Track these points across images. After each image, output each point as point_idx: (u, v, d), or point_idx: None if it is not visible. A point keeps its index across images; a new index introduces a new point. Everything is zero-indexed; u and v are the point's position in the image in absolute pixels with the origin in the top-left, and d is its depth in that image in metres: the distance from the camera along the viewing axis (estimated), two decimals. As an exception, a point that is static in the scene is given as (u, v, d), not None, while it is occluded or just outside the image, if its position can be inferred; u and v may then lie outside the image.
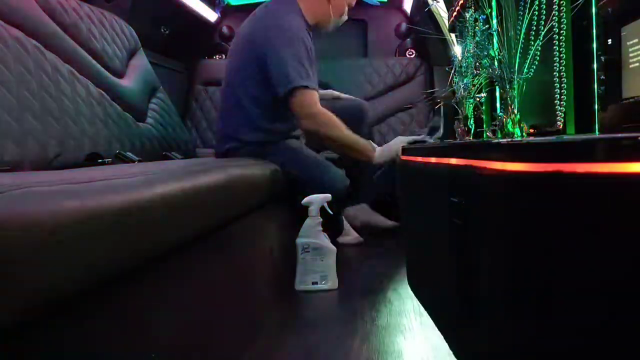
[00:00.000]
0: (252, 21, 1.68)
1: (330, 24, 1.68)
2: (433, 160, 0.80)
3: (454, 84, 1.33)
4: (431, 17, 2.12)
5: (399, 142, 1.55)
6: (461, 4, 1.52)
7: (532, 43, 1.01)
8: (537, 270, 0.49)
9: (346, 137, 1.56)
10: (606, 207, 0.45)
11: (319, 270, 1.29)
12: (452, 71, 1.33)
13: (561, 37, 1.03)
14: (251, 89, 1.57)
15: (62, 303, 0.54)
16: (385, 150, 1.60)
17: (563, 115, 1.01)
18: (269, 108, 1.57)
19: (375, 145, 1.64)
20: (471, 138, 1.33)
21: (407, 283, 1.15)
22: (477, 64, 1.21)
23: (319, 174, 1.57)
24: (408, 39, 2.87)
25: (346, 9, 1.70)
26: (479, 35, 1.15)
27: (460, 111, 1.32)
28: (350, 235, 1.83)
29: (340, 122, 1.55)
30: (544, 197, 0.47)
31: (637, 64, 0.86)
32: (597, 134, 0.94)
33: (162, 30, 2.44)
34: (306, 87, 1.49)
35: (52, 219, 0.51)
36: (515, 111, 1.00)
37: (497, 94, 1.40)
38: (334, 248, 1.32)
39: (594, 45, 0.97)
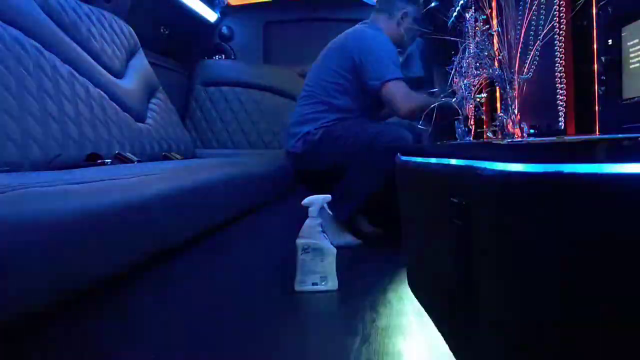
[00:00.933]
0: (343, 35, 1.90)
1: (405, 43, 1.89)
2: (433, 161, 0.80)
3: (454, 85, 1.33)
4: (431, 18, 2.12)
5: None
6: (461, 4, 1.52)
7: (532, 43, 1.01)
8: (537, 270, 0.49)
9: (426, 102, 1.64)
10: (606, 208, 0.45)
11: (319, 271, 1.29)
12: (453, 72, 1.33)
13: (561, 38, 1.03)
14: (341, 82, 1.78)
15: (62, 303, 0.54)
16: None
17: (564, 115, 1.01)
18: (357, 98, 1.77)
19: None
20: (471, 139, 1.32)
21: (407, 283, 1.15)
22: (478, 64, 1.20)
23: (368, 128, 1.67)
24: (408, 39, 2.87)
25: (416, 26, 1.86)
26: (479, 35, 1.15)
27: (460, 112, 1.32)
28: (345, 238, 1.84)
29: (414, 93, 1.71)
30: (544, 198, 0.47)
31: (637, 65, 0.86)
32: (597, 135, 0.94)
33: (162, 30, 2.44)
34: (395, 79, 1.70)
35: (52, 219, 0.51)
36: (516, 112, 1.00)
37: (498, 94, 1.40)
38: (334, 249, 1.31)
39: (595, 46, 0.97)
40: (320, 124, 1.77)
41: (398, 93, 1.68)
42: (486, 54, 1.10)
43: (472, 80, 1.25)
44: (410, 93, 1.70)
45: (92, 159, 1.32)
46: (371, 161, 1.64)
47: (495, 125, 1.09)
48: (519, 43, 0.98)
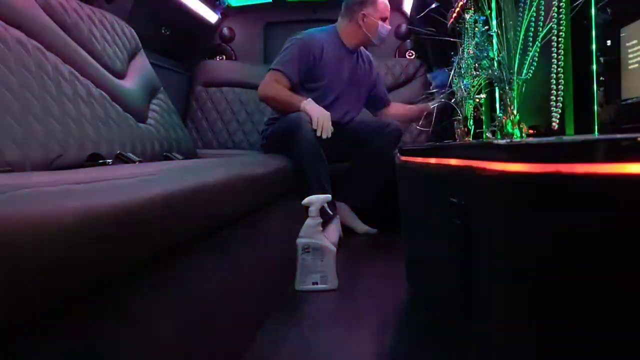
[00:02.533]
0: None
1: (373, 40, 2.06)
2: (433, 160, 0.81)
3: (453, 85, 1.33)
4: (431, 19, 2.12)
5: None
6: (461, 5, 1.53)
7: (532, 44, 1.01)
8: (536, 270, 0.49)
9: (281, 94, 1.92)
10: (605, 208, 0.45)
11: (319, 271, 1.29)
12: (452, 72, 1.33)
13: (560, 39, 1.03)
14: None
15: (62, 303, 0.54)
16: (316, 106, 1.87)
17: (558, 116, 1.01)
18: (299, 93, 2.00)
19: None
20: (471, 139, 1.33)
21: (407, 283, 1.15)
22: (477, 65, 1.21)
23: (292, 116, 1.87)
24: (408, 40, 2.88)
25: (380, 23, 2.03)
26: (478, 36, 1.15)
27: (460, 112, 1.32)
28: (365, 226, 1.96)
29: (281, 87, 1.92)
30: (543, 198, 0.47)
31: (636, 65, 0.87)
32: (596, 135, 0.95)
33: (163, 31, 2.45)
34: (273, 69, 1.95)
35: (53, 220, 0.51)
36: (515, 112, 1.01)
37: (497, 95, 1.41)
38: (334, 248, 1.32)
39: (594, 47, 0.97)
40: (272, 114, 2.05)
41: (265, 79, 1.95)
42: (485, 54, 1.10)
43: (472, 80, 1.25)
44: (274, 84, 1.93)
45: (93, 159, 1.33)
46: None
47: (495, 126, 1.09)
48: (518, 44, 0.98)
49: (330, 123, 1.85)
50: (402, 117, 2.23)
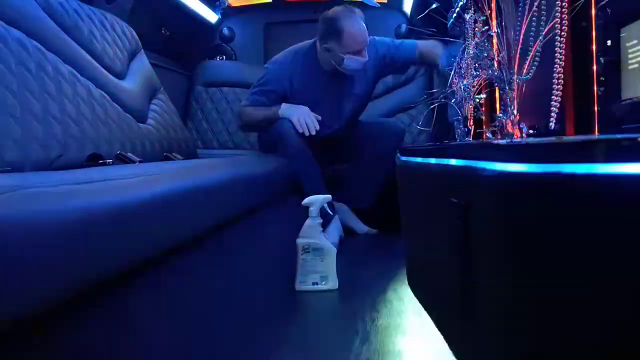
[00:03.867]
0: None
1: (344, 66, 1.92)
2: (433, 160, 0.81)
3: (454, 85, 1.33)
4: (431, 19, 2.12)
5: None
6: (461, 5, 1.53)
7: (532, 44, 1.01)
8: (537, 270, 0.49)
9: (255, 115, 1.98)
10: (606, 208, 0.45)
11: (319, 271, 1.29)
12: (452, 72, 1.33)
13: (561, 39, 1.03)
14: None
15: (62, 303, 0.54)
16: (292, 107, 1.89)
17: (556, 116, 1.01)
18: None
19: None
20: (471, 139, 1.33)
21: (407, 283, 1.15)
22: (477, 65, 1.21)
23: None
24: (408, 40, 2.87)
25: (347, 57, 1.89)
26: (478, 36, 1.15)
27: (460, 112, 1.32)
28: (365, 227, 1.95)
29: (252, 109, 1.98)
30: (544, 198, 0.47)
31: (636, 65, 0.87)
32: (596, 135, 0.95)
33: (163, 31, 2.45)
34: (244, 106, 2.04)
35: (53, 220, 0.51)
36: (515, 112, 1.00)
37: (497, 95, 1.41)
38: (334, 248, 1.32)
39: (594, 47, 0.97)
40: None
41: (240, 113, 2.06)
42: (485, 54, 1.10)
43: (472, 81, 1.25)
44: (247, 112, 2.01)
45: (94, 160, 1.33)
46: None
47: (495, 126, 1.09)
48: (518, 44, 0.98)
49: (311, 116, 1.85)
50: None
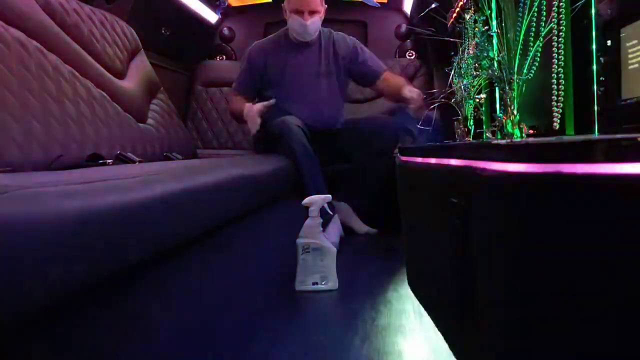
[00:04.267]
0: None
1: (289, 28, 2.03)
2: (433, 161, 0.81)
3: (454, 85, 1.33)
4: (431, 19, 2.13)
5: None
6: (461, 5, 1.53)
7: (532, 44, 1.01)
8: (536, 270, 0.49)
9: (233, 107, 2.08)
10: (606, 208, 0.45)
11: (319, 271, 1.29)
12: (452, 72, 1.33)
13: (560, 39, 1.03)
14: None
15: (62, 303, 0.54)
16: (252, 109, 1.92)
17: (558, 116, 1.01)
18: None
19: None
20: (471, 139, 1.33)
21: (407, 283, 1.15)
22: (477, 65, 1.21)
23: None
24: (408, 40, 2.88)
25: (293, 17, 1.97)
26: (478, 36, 1.15)
27: (460, 112, 1.32)
28: (366, 227, 1.95)
29: (236, 100, 2.07)
30: (544, 198, 0.47)
31: (636, 65, 0.87)
32: (596, 135, 0.95)
33: (163, 31, 2.45)
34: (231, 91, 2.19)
35: (53, 219, 0.51)
36: (515, 112, 1.01)
37: (497, 95, 1.41)
38: (334, 248, 1.32)
39: (594, 47, 0.97)
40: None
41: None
42: (485, 54, 1.10)
43: (472, 80, 1.25)
44: (232, 101, 2.11)
45: (94, 159, 1.33)
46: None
47: (495, 126, 1.09)
48: (518, 44, 0.98)
49: (254, 116, 1.89)
50: (395, 96, 2.04)
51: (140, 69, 1.89)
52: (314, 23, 1.97)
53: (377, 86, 2.14)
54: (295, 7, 1.95)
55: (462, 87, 1.28)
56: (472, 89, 1.28)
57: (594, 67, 0.97)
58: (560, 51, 1.02)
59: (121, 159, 1.45)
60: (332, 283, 1.30)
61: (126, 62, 1.80)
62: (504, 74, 1.00)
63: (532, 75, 1.01)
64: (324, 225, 1.43)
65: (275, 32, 2.16)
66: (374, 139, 2.01)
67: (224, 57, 2.93)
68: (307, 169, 1.81)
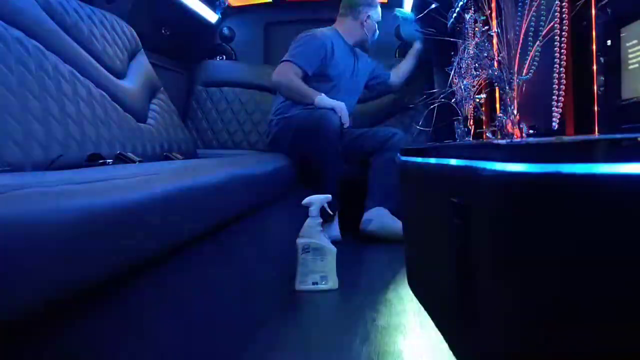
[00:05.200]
0: None
1: (369, 42, 2.22)
2: (433, 160, 0.81)
3: (454, 85, 1.33)
4: (431, 19, 2.13)
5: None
6: (461, 5, 1.53)
7: (532, 44, 1.01)
8: (536, 270, 0.49)
9: (296, 83, 1.98)
10: (605, 208, 0.45)
11: (319, 271, 1.29)
12: (452, 72, 1.33)
13: (561, 39, 1.03)
14: None
15: (62, 303, 0.54)
16: (325, 99, 1.93)
17: (558, 116, 1.01)
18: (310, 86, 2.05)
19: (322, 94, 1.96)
20: (471, 139, 1.33)
21: (407, 283, 1.15)
22: (477, 65, 1.21)
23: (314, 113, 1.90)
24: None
25: (373, 25, 2.18)
26: (478, 36, 1.15)
27: (460, 112, 1.32)
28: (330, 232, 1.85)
29: (295, 77, 1.98)
30: (544, 198, 0.48)
31: (636, 65, 0.87)
32: (596, 135, 0.95)
33: (163, 31, 2.45)
34: (286, 61, 2.01)
35: (53, 219, 0.51)
36: (515, 112, 1.01)
37: (497, 94, 1.41)
38: (334, 248, 1.32)
39: (594, 47, 0.97)
40: (278, 112, 2.05)
41: (279, 68, 2.01)
42: (485, 54, 1.10)
43: (472, 80, 1.25)
44: (289, 73, 1.97)
45: (94, 160, 1.33)
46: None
47: (495, 126, 1.09)
48: (518, 44, 0.98)
49: (346, 110, 1.94)
50: (406, 74, 2.38)
51: (140, 68, 1.89)
52: None
53: (391, 81, 2.37)
54: (378, 18, 2.18)
55: (462, 87, 1.28)
56: (472, 89, 1.28)
57: (594, 67, 0.97)
58: (561, 51, 1.02)
59: (121, 159, 1.45)
60: (332, 283, 1.30)
61: (126, 62, 1.80)
62: (504, 74, 1.00)
63: (531, 74, 1.01)
64: (325, 225, 1.43)
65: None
66: (381, 152, 2.04)
67: (224, 57, 2.93)
68: (331, 172, 1.83)
